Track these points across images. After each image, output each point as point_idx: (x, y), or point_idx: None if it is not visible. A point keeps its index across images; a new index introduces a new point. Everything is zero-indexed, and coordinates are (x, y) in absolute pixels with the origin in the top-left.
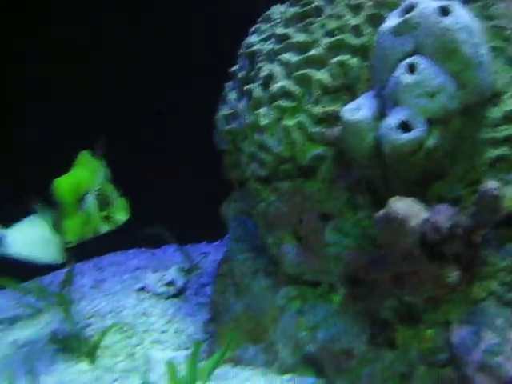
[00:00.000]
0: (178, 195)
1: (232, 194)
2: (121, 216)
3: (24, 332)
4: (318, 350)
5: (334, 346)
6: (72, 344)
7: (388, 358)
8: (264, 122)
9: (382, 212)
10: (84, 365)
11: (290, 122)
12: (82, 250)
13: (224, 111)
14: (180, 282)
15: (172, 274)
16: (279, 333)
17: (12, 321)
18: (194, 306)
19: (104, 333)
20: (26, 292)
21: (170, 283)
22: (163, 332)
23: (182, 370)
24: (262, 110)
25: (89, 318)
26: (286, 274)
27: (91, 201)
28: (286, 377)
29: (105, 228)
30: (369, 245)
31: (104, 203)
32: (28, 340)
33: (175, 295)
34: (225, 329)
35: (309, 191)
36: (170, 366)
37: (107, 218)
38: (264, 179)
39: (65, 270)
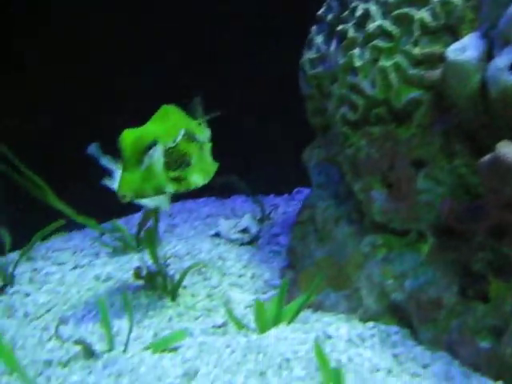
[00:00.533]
0: (246, 146)
1: (315, 141)
2: (197, 180)
3: (106, 268)
4: (405, 299)
5: (422, 296)
6: (155, 281)
7: (480, 311)
8: (358, 63)
9: (488, 157)
10: (166, 301)
11: (386, 63)
12: None
13: (310, 55)
14: (254, 230)
15: (246, 221)
16: (363, 280)
17: (92, 258)
18: (267, 254)
19: (186, 272)
20: (105, 232)
21: (244, 230)
22: (240, 276)
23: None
24: (356, 51)
25: (167, 259)
26: (373, 221)
27: (157, 157)
28: (370, 324)
29: (171, 188)
30: (464, 193)
31: (178, 162)
32: (109, 276)
33: (249, 242)
34: (305, 274)
35: (402, 136)
36: (258, 303)
37: (179, 179)
38: (354, 123)
39: (139, 214)
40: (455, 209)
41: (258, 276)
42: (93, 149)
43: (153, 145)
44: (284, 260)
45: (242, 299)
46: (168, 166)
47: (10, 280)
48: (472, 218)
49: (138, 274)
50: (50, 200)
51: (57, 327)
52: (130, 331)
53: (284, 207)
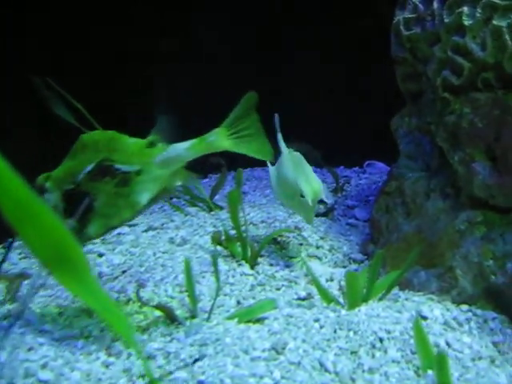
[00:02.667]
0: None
1: (405, 108)
2: (94, 231)
3: (180, 232)
4: (506, 282)
5: None
6: (234, 247)
7: None
8: (467, 22)
9: None
10: (246, 269)
11: (500, 23)
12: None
13: (404, 15)
14: (330, 201)
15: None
16: (459, 259)
17: (164, 221)
18: (344, 226)
19: (268, 238)
20: (175, 195)
21: (320, 200)
22: (318, 247)
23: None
24: (465, 9)
25: (242, 226)
26: (471, 196)
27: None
28: (464, 307)
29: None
30: None
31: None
32: (184, 239)
33: (324, 214)
34: (392, 250)
35: (511, 104)
36: (351, 276)
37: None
38: (457, 88)
39: (206, 180)
40: None
41: (337, 248)
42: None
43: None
44: (361, 233)
45: (324, 271)
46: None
47: None
48: None
49: (216, 238)
50: None
51: (138, 290)
52: (217, 295)
53: (356, 180)
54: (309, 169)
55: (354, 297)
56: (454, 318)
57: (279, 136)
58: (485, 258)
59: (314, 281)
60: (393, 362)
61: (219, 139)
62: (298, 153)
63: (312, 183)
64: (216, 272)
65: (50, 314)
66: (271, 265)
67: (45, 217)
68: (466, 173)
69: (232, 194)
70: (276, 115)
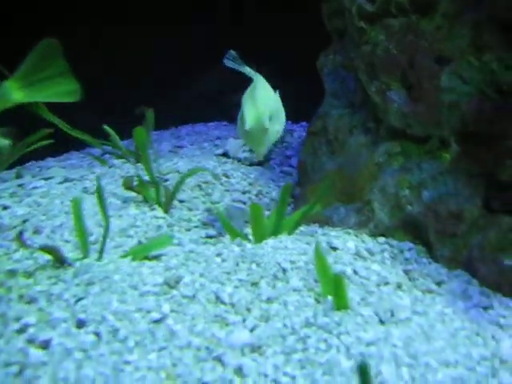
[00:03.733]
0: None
1: (330, 46)
2: None
3: (101, 181)
4: (422, 211)
5: (441, 208)
6: (147, 192)
7: (505, 225)
8: None
9: None
10: (158, 213)
11: None
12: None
13: None
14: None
15: None
16: (376, 192)
17: (85, 173)
18: (277, 174)
19: (181, 181)
20: (105, 152)
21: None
22: (245, 193)
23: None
24: None
25: (166, 174)
26: (390, 127)
27: None
28: (381, 239)
29: None
30: (494, 92)
31: None
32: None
33: (258, 163)
34: (314, 188)
35: (425, 29)
36: (255, 207)
37: None
38: (372, 16)
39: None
40: (483, 109)
41: (265, 194)
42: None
43: None
44: (294, 179)
45: (242, 214)
46: None
47: None
48: (503, 119)
49: (127, 182)
50: (41, 111)
51: (20, 234)
52: (106, 233)
53: (300, 133)
54: (263, 93)
55: (260, 229)
56: (367, 249)
57: (242, 67)
58: (401, 187)
59: (220, 217)
60: (294, 290)
61: (8, 92)
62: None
63: (258, 109)
64: (102, 208)
65: None
66: (190, 209)
67: None
68: (382, 102)
69: (138, 132)
70: (231, 51)
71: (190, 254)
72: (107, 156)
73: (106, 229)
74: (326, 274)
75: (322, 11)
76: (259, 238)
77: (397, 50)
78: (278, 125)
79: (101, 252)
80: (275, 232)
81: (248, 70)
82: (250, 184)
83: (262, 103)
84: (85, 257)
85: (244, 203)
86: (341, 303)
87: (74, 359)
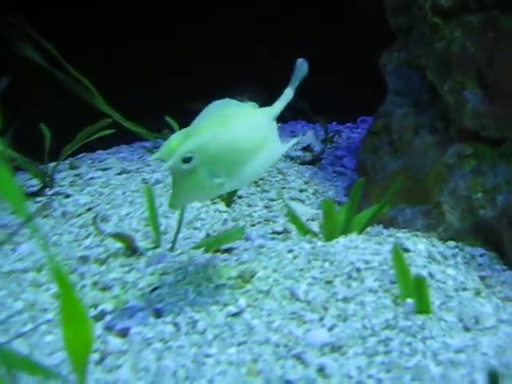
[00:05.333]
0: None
1: (394, 43)
2: None
3: (154, 175)
4: (496, 216)
5: None
6: None
7: None
8: None
9: None
10: (220, 206)
11: None
12: None
13: None
14: (317, 148)
15: (310, 138)
16: (447, 194)
17: (140, 166)
18: (331, 174)
19: None
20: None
21: (307, 148)
22: (302, 191)
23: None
24: None
25: None
26: (461, 129)
27: None
28: (451, 243)
29: None
30: None
31: None
32: (158, 181)
33: (310, 162)
34: (377, 188)
35: (506, 25)
36: (327, 203)
37: None
38: (448, 12)
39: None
40: None
41: (321, 192)
42: None
43: None
44: (349, 180)
45: (305, 211)
46: None
47: (49, 183)
48: None
49: None
50: (97, 102)
51: (94, 219)
52: (180, 222)
53: (348, 133)
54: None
55: (331, 227)
56: (440, 253)
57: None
58: (474, 191)
59: (289, 213)
60: (369, 291)
61: None
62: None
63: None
64: None
65: (2, 250)
66: (249, 205)
67: None
68: (456, 102)
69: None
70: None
71: (261, 248)
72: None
73: (181, 220)
74: (404, 276)
75: (386, 7)
76: (330, 235)
77: (474, 48)
78: (231, 179)
79: (173, 242)
80: (345, 230)
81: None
82: (306, 183)
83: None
84: (157, 246)
85: (302, 201)
86: (422, 307)
87: (153, 349)
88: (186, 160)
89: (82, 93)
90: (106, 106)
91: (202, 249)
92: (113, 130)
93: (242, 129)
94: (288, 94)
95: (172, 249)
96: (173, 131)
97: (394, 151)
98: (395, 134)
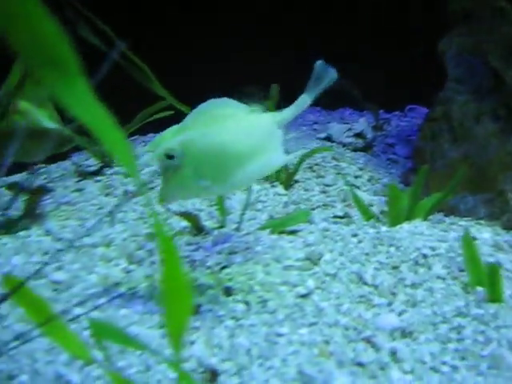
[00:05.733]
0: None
1: (454, 29)
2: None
3: None
4: None
5: None
6: None
7: None
8: None
9: None
10: (279, 190)
11: None
12: None
13: None
14: (370, 135)
15: (362, 125)
16: (511, 182)
17: None
18: (384, 161)
19: (302, 159)
20: None
21: (359, 135)
22: (357, 177)
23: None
24: None
25: None
26: None
27: None
28: None
29: None
30: None
31: None
32: None
33: (362, 149)
34: (437, 176)
35: None
36: (393, 188)
37: None
38: None
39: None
40: None
41: (377, 179)
42: None
43: None
44: (403, 167)
45: (362, 197)
46: None
47: (108, 162)
48: None
49: None
50: (154, 86)
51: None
52: (248, 202)
53: (396, 121)
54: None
55: (396, 212)
56: (506, 241)
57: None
58: None
59: (355, 198)
60: (438, 278)
61: None
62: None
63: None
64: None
65: (70, 225)
66: (306, 190)
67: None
68: None
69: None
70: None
71: (325, 232)
72: None
73: (248, 200)
74: (475, 263)
75: None
76: (394, 220)
77: None
78: (217, 184)
79: (239, 222)
80: (409, 216)
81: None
82: (360, 169)
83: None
84: (222, 226)
85: (357, 187)
86: (495, 295)
87: (225, 326)
88: (169, 156)
89: (138, 76)
90: (162, 89)
91: (268, 230)
92: (172, 112)
93: (233, 132)
94: (303, 102)
95: (238, 229)
96: None
97: (454, 139)
98: (455, 121)
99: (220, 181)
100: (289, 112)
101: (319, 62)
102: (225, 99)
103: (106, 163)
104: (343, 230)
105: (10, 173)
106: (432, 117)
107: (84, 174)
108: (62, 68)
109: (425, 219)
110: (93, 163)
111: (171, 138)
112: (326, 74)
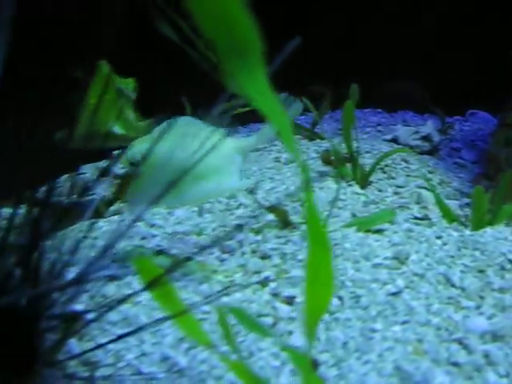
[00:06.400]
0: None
1: None
2: None
3: (283, 154)
4: None
5: None
6: (344, 168)
7: None
8: None
9: None
10: (356, 189)
11: None
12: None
13: None
14: (437, 139)
15: (429, 128)
16: None
17: (266, 146)
18: (452, 165)
19: (381, 158)
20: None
21: (426, 138)
22: (427, 180)
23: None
24: None
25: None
26: None
27: None
28: None
29: None
30: None
31: None
32: (289, 159)
33: (429, 152)
34: None
35: None
36: (479, 190)
37: None
38: None
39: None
40: None
41: (447, 183)
42: None
43: None
44: (471, 172)
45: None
46: None
47: None
48: None
49: (326, 157)
50: (227, 81)
51: (252, 192)
52: (335, 199)
53: (459, 125)
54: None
55: (480, 215)
56: None
57: None
58: None
59: (436, 197)
60: None
61: None
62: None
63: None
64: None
65: (159, 213)
66: (380, 191)
67: None
68: None
69: (347, 106)
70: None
71: (409, 232)
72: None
73: (336, 198)
74: None
75: None
76: (478, 224)
77: None
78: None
79: (326, 219)
80: (492, 221)
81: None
82: (430, 172)
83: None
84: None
85: (428, 190)
86: None
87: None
88: (132, 163)
89: (212, 72)
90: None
91: (354, 227)
92: (250, 108)
93: (193, 150)
94: (266, 133)
95: (324, 225)
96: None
97: None
98: None
99: (172, 195)
100: (251, 141)
101: (283, 95)
102: (192, 119)
103: None
104: (427, 232)
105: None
106: (506, 122)
107: None
108: (247, 57)
109: (507, 225)
110: None
111: (139, 146)
112: (290, 107)
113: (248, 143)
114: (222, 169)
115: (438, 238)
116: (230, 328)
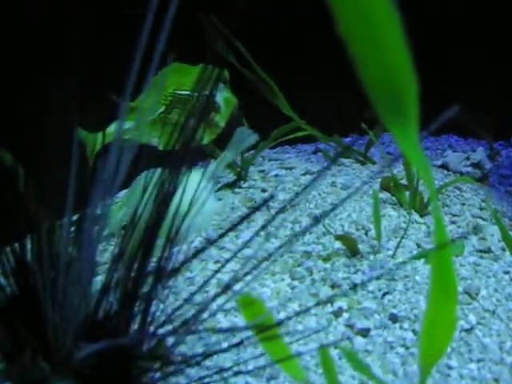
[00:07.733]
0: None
1: None
2: None
3: (338, 178)
4: None
5: None
6: (402, 195)
7: None
8: None
9: None
10: (416, 217)
11: None
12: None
13: None
14: (488, 166)
15: (480, 154)
16: None
17: (321, 168)
18: (503, 193)
19: (440, 189)
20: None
21: (477, 165)
22: (482, 209)
23: None
24: None
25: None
26: None
27: None
28: None
29: None
30: None
31: None
32: (346, 184)
33: (479, 179)
34: None
35: None
36: None
37: None
38: None
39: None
40: None
41: (502, 212)
42: None
43: None
44: None
45: (494, 230)
46: None
47: (242, 176)
48: None
49: (386, 184)
50: (281, 105)
51: (320, 219)
52: (406, 229)
53: (506, 152)
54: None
55: None
56: None
57: None
58: None
59: (502, 230)
60: None
61: None
62: None
63: None
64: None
65: (228, 235)
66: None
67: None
68: None
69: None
70: None
71: (476, 266)
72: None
73: (406, 229)
74: None
75: None
76: None
77: None
78: None
79: (396, 249)
80: None
81: None
82: (483, 201)
83: None
84: (377, 251)
85: (484, 220)
86: None
87: (396, 353)
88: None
89: (266, 93)
90: (289, 108)
91: (423, 260)
92: (307, 132)
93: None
94: (224, 160)
95: (393, 256)
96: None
97: None
98: None
99: None
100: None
101: (241, 128)
102: None
103: (240, 177)
104: (494, 266)
105: None
106: None
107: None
108: (404, 110)
109: None
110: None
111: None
112: (246, 138)
113: (210, 171)
114: (199, 198)
115: (506, 272)
116: (333, 367)
